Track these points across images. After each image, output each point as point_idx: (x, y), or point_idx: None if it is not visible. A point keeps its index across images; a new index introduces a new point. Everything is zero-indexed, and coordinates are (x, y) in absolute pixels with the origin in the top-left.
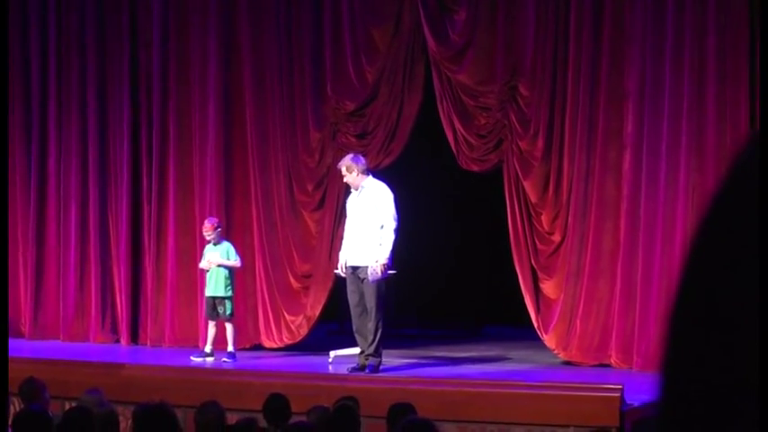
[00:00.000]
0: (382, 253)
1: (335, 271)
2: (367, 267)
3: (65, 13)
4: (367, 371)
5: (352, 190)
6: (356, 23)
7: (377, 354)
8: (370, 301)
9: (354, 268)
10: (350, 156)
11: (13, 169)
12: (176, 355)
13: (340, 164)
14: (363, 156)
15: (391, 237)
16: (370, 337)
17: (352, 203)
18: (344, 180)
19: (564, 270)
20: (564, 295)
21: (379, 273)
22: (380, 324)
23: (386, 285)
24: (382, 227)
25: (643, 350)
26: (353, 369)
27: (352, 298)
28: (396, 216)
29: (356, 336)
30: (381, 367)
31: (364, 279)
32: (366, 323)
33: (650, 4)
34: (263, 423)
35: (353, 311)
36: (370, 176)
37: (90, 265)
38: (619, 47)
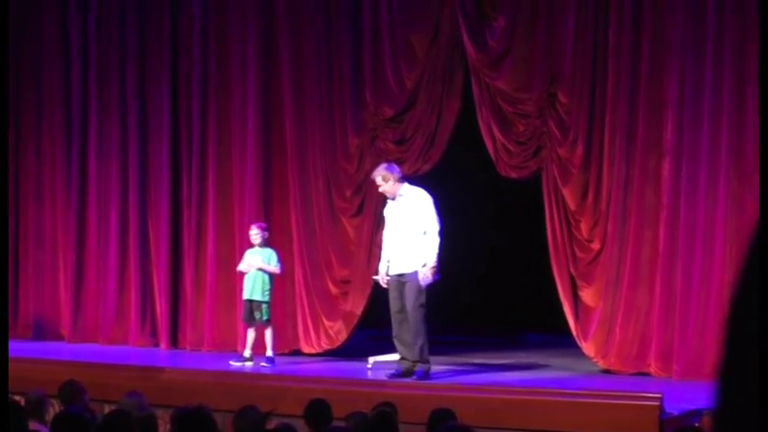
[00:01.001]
0: (430, 257)
1: (375, 277)
2: (413, 274)
3: (105, 19)
4: (415, 377)
5: (388, 199)
6: (395, 30)
7: (424, 360)
8: (414, 309)
9: (399, 276)
10: (383, 165)
11: (54, 174)
12: (215, 359)
13: (374, 174)
14: (401, 163)
15: (437, 240)
16: (418, 344)
17: (390, 212)
18: (380, 190)
19: (603, 278)
20: (603, 303)
21: (430, 276)
22: (425, 330)
23: (427, 292)
24: (425, 232)
25: (683, 359)
26: (392, 375)
27: (393, 305)
28: (438, 219)
29: (395, 342)
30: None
31: (406, 284)
32: (406, 330)
33: (690, 12)
34: (301, 428)
35: (394, 318)
36: (406, 183)
37: (130, 270)
38: (658, 54)
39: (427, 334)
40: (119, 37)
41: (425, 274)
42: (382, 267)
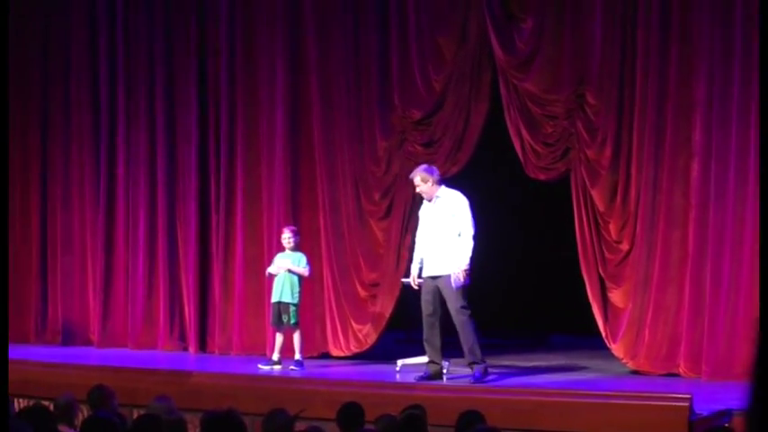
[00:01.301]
0: (463, 259)
1: (405, 280)
2: (447, 276)
3: (133, 23)
4: (472, 379)
5: (425, 200)
6: (423, 32)
7: (479, 360)
8: (457, 311)
9: (433, 278)
10: (423, 166)
11: (82, 177)
12: (244, 363)
13: (413, 174)
14: (430, 164)
15: (470, 243)
16: (467, 347)
17: (426, 213)
18: (417, 190)
19: (632, 279)
20: (632, 304)
21: (462, 279)
22: (474, 330)
23: (466, 293)
24: (460, 235)
25: (712, 359)
26: (420, 378)
27: (425, 308)
28: (473, 223)
29: (425, 345)
30: (451, 376)
31: (443, 288)
32: (438, 334)
33: (718, 13)
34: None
35: (426, 321)
36: (444, 186)
37: (158, 274)
38: (686, 55)
39: (476, 334)
40: (146, 41)
41: (457, 276)
42: (414, 269)
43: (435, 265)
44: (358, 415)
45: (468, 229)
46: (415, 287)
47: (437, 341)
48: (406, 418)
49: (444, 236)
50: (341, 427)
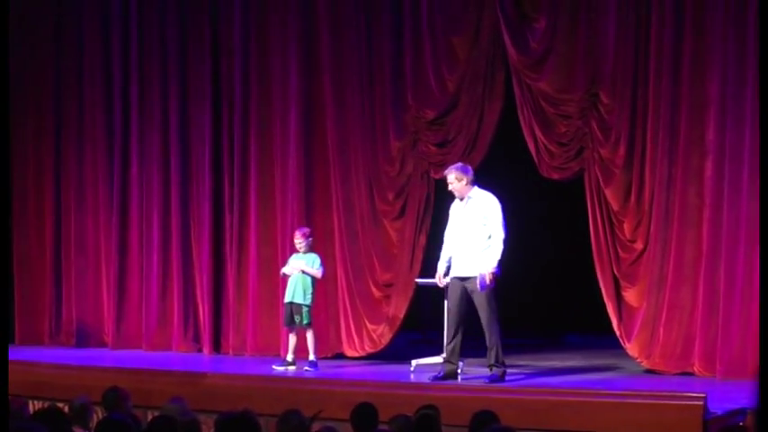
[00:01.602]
0: (491, 262)
1: (421, 281)
2: (475, 278)
3: (146, 23)
4: (487, 380)
5: (456, 198)
6: (436, 32)
7: (499, 363)
8: (485, 313)
9: (462, 279)
10: (459, 165)
11: (96, 179)
12: (258, 364)
13: (447, 171)
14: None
15: (500, 247)
16: (490, 348)
17: (457, 213)
18: (450, 188)
19: (646, 278)
20: (646, 303)
21: (488, 281)
22: (498, 333)
23: (495, 295)
24: (489, 237)
25: (726, 358)
26: (435, 377)
27: (451, 307)
28: (504, 226)
29: (446, 344)
30: (466, 376)
31: (473, 291)
32: (461, 335)
33: (731, 11)
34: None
35: (449, 320)
36: (477, 187)
37: (172, 275)
38: (700, 54)
39: (501, 337)
40: (160, 42)
41: (483, 278)
42: (440, 267)
43: (464, 266)
44: (371, 415)
45: (499, 233)
46: (441, 285)
47: (458, 341)
48: (420, 419)
49: (474, 238)
50: (355, 427)
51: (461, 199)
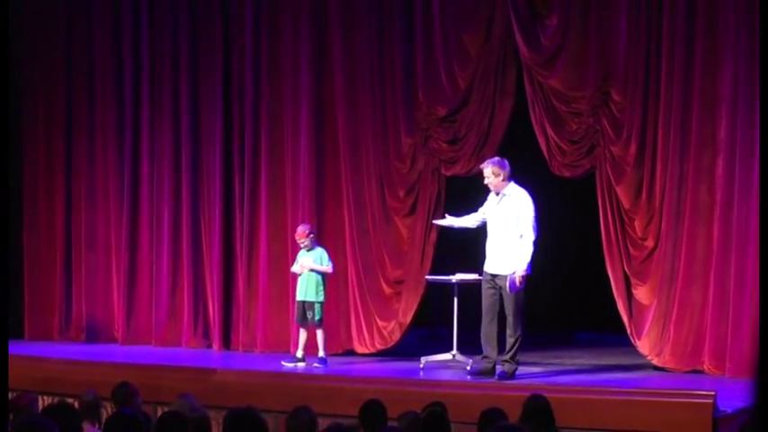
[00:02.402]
0: (520, 264)
1: (440, 278)
2: (506, 277)
3: (158, 20)
4: (497, 377)
5: (491, 194)
6: (447, 29)
7: (513, 360)
8: (510, 310)
9: (494, 276)
10: (496, 159)
11: (106, 175)
12: (268, 360)
13: (484, 165)
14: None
15: (530, 249)
16: (508, 344)
17: (492, 209)
18: (486, 182)
19: (657, 276)
20: (657, 301)
21: (518, 283)
22: (520, 332)
23: (524, 294)
24: (521, 236)
25: (736, 356)
26: (472, 372)
27: (485, 302)
28: (535, 227)
29: (482, 340)
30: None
31: (502, 288)
32: (494, 329)
33: (742, 9)
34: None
35: (484, 317)
36: (513, 183)
37: (182, 271)
38: (712, 51)
39: (522, 337)
40: (171, 40)
41: (513, 280)
42: (456, 219)
43: (496, 263)
44: (380, 412)
45: (530, 234)
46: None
47: (493, 336)
48: (429, 416)
49: (507, 235)
50: (363, 425)
51: (497, 194)
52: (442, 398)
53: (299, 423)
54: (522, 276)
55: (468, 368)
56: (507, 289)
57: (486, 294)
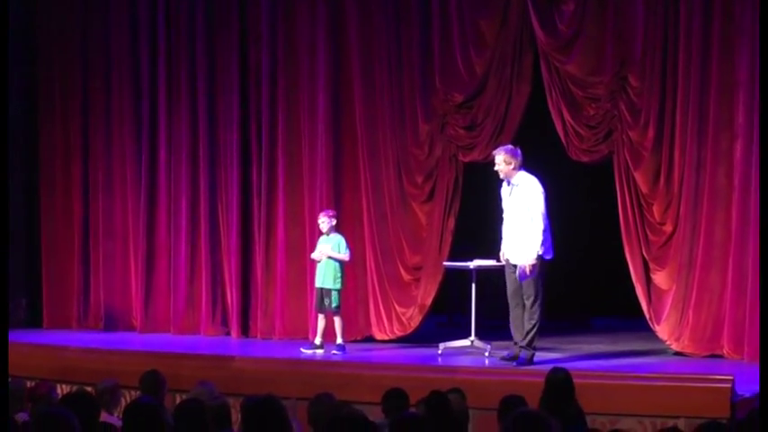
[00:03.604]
0: (530, 254)
1: (458, 264)
2: (519, 266)
3: (174, 8)
4: (515, 363)
5: (504, 182)
6: (464, 15)
7: (530, 347)
8: (527, 296)
9: (511, 263)
10: (508, 147)
11: (123, 163)
12: (286, 347)
13: (496, 152)
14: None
15: (538, 237)
16: (525, 330)
17: (504, 196)
18: (496, 168)
19: (676, 261)
20: (676, 286)
21: (527, 272)
22: (537, 318)
23: (543, 279)
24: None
25: (754, 341)
26: (504, 358)
27: (508, 288)
28: (544, 214)
29: (511, 325)
30: (493, 359)
31: (519, 277)
32: (521, 315)
33: None
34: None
35: (510, 303)
36: (523, 171)
37: (200, 258)
38: (729, 36)
39: (538, 323)
40: (187, 25)
41: (523, 269)
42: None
43: (511, 251)
44: (402, 400)
45: (538, 223)
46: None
47: (520, 321)
48: (430, 399)
49: (519, 224)
50: (386, 412)
51: (507, 183)
52: (460, 384)
53: (322, 409)
54: (533, 265)
55: (500, 357)
56: (518, 277)
57: (510, 281)
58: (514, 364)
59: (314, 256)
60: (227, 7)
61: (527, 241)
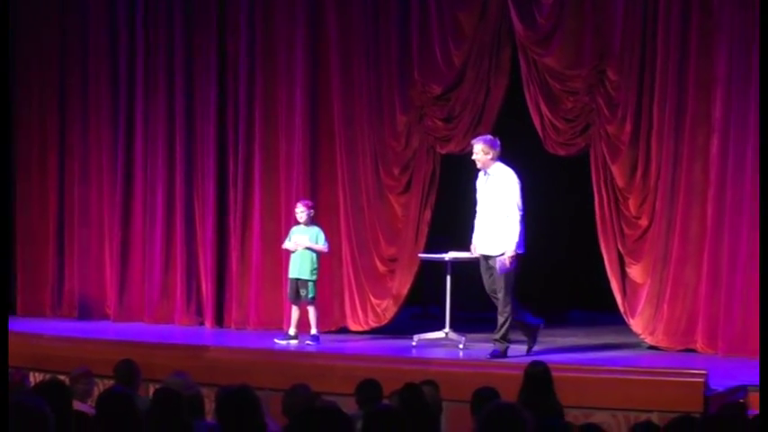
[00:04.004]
0: (508, 245)
1: (433, 256)
2: (495, 258)
3: (153, 0)
4: (489, 355)
5: (480, 173)
6: (443, 7)
7: (504, 339)
8: (500, 290)
9: (486, 256)
10: (488, 137)
11: (100, 151)
12: (260, 337)
13: (475, 141)
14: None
15: (516, 228)
16: (498, 323)
17: (480, 186)
18: (474, 157)
19: (651, 255)
20: (651, 280)
21: (507, 264)
22: (509, 311)
23: (517, 272)
24: (508, 216)
25: (728, 336)
26: (491, 355)
27: (486, 285)
28: (521, 205)
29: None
30: (467, 351)
31: (493, 268)
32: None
33: None
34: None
35: (491, 298)
36: (499, 162)
37: (176, 248)
38: (707, 31)
39: (512, 317)
40: (166, 15)
41: (503, 262)
42: (474, 241)
43: (486, 244)
44: (376, 391)
45: (515, 212)
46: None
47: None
48: (403, 391)
49: (494, 215)
50: (359, 402)
51: (482, 170)
52: (434, 376)
53: (297, 400)
54: (512, 257)
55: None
56: (497, 270)
57: (484, 276)
58: (488, 356)
59: (289, 246)
60: (206, 0)
61: (503, 233)
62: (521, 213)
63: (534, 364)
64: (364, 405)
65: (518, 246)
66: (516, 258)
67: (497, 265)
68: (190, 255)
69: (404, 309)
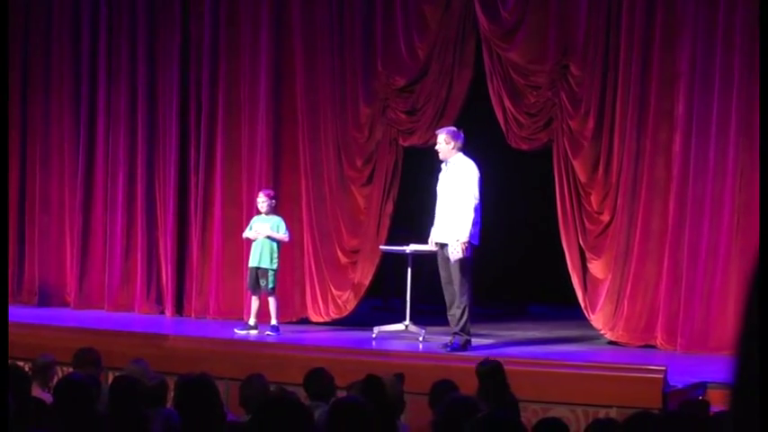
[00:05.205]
0: (461, 231)
1: (394, 248)
2: (450, 245)
3: None
4: (449, 349)
5: (443, 165)
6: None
7: (463, 332)
8: (455, 281)
9: (442, 246)
10: (452, 128)
11: (61, 138)
12: (220, 327)
13: (439, 131)
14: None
15: (469, 214)
16: (456, 316)
17: (441, 177)
18: (437, 147)
19: (612, 250)
20: (612, 276)
21: (460, 252)
22: (466, 302)
23: (471, 263)
24: (462, 203)
25: (687, 332)
26: (445, 346)
27: (441, 275)
28: (476, 194)
29: (448, 315)
30: (427, 344)
31: (447, 258)
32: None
33: None
34: (304, 397)
35: (444, 289)
36: (461, 154)
37: (136, 236)
38: (670, 27)
39: (469, 308)
40: (129, 1)
41: (455, 249)
42: (432, 233)
43: (442, 232)
44: (325, 381)
45: (469, 201)
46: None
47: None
48: (366, 381)
49: (451, 204)
50: (308, 392)
51: (445, 164)
52: (393, 368)
53: (253, 391)
54: (465, 243)
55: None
56: (450, 258)
57: (440, 266)
58: (448, 349)
59: (249, 234)
60: None
61: (458, 220)
62: (476, 202)
63: (484, 362)
64: (313, 394)
65: (472, 237)
66: (470, 248)
67: (450, 253)
68: (150, 242)
69: (365, 301)
